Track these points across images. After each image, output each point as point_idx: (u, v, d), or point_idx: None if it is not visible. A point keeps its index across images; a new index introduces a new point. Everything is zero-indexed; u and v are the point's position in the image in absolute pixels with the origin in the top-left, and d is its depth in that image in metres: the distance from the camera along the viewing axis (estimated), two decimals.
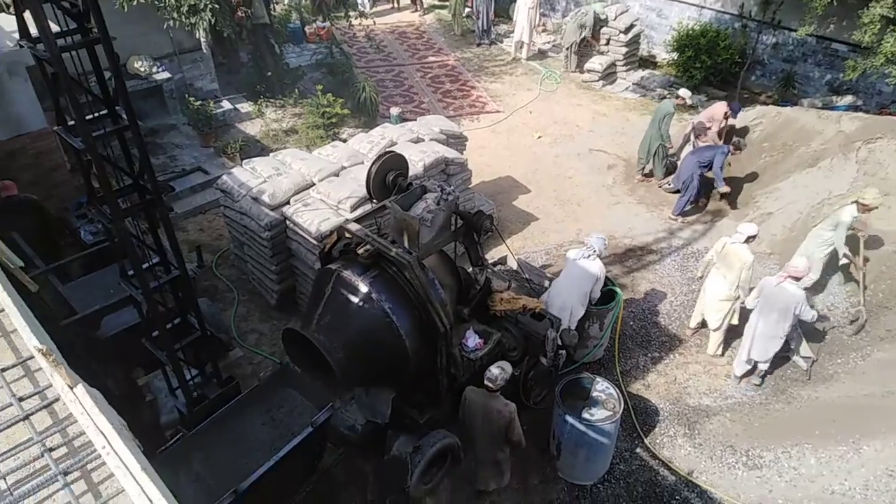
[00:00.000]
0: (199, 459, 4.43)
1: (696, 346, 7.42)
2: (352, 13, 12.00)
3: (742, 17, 12.81)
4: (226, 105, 11.31)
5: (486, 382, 5.00)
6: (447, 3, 16.64)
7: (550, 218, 9.51)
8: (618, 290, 6.96)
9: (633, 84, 13.49)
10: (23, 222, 6.58)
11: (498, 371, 5.01)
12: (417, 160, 7.55)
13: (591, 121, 12.25)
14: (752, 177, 9.77)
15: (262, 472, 4.06)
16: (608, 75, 13.57)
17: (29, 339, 2.08)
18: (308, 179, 7.48)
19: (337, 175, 7.60)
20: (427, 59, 14.93)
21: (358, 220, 5.67)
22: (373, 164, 5.99)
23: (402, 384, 5.43)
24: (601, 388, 5.78)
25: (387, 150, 7.54)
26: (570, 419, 5.50)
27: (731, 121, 9.87)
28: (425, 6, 17.26)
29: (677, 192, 9.58)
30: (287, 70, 12.34)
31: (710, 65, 12.51)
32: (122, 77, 3.64)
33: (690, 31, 12.83)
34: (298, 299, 7.53)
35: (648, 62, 14.24)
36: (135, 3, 8.66)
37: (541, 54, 14.99)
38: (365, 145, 8.22)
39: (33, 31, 3.38)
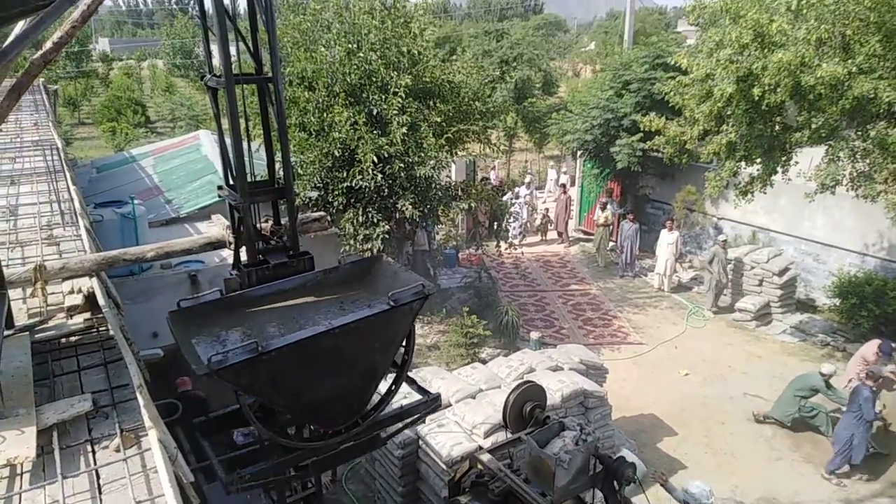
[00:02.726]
0: (229, 322, 3.58)
1: None
2: (503, 243, 13.02)
3: None
4: None
5: None
6: (592, 237, 17.54)
7: (700, 468, 8.62)
8: None
9: (791, 327, 12.75)
10: (187, 416, 7.20)
11: None
12: (556, 390, 7.46)
13: (744, 362, 11.54)
14: None
15: (301, 339, 3.04)
16: (762, 316, 13.02)
17: None
18: (445, 399, 7.59)
19: (474, 397, 7.66)
20: (569, 286, 15.41)
21: (491, 451, 5.56)
22: (511, 392, 6.03)
23: None
24: None
25: (525, 377, 7.60)
26: None
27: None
28: (571, 238, 18.28)
29: None
30: (438, 290, 13.31)
31: (879, 314, 11.59)
32: None
33: (853, 279, 12.19)
34: None
35: (807, 305, 13.54)
36: (322, 234, 10.15)
37: (686, 289, 14.92)
38: (504, 369, 8.32)
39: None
